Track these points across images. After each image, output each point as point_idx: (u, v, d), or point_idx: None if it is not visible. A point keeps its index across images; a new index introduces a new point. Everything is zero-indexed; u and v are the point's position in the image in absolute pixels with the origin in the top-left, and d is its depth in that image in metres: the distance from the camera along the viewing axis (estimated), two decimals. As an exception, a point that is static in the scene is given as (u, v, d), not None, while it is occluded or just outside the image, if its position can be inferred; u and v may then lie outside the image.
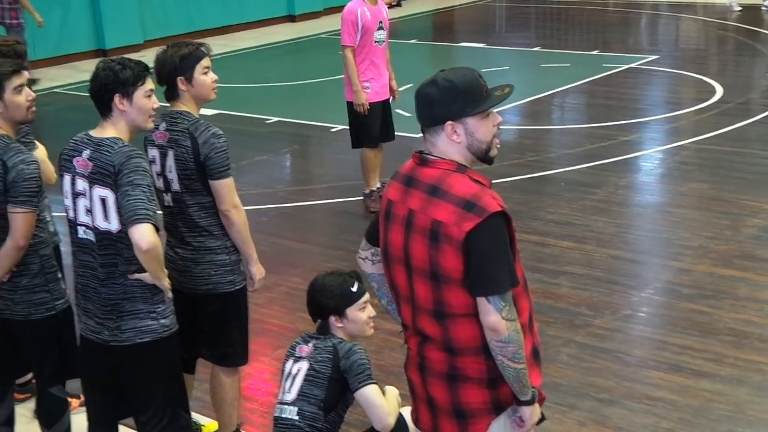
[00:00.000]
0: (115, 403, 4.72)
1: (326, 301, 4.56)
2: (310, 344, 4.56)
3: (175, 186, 4.88)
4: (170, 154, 4.85)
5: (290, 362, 4.57)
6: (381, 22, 9.12)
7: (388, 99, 9.50)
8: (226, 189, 4.87)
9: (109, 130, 4.40)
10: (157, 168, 4.91)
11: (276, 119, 13.09)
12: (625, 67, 15.21)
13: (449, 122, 3.51)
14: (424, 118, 3.57)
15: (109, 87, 4.36)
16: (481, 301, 3.45)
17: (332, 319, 4.57)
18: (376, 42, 9.13)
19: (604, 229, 8.59)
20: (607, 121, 12.10)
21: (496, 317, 3.43)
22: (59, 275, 4.98)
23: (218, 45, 16.91)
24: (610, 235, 8.46)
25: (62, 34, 17.68)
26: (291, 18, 21.11)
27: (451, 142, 3.54)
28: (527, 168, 10.37)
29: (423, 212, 3.51)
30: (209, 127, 4.85)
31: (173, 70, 4.87)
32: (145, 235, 4.18)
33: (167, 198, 4.95)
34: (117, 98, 4.36)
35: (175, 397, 4.67)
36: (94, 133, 4.44)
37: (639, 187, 9.98)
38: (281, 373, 4.62)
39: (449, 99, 3.50)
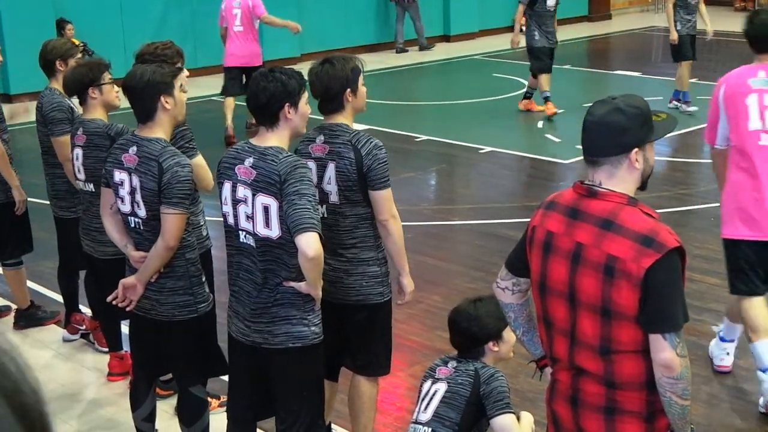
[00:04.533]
0: (257, 405, 4.82)
1: (487, 328, 4.56)
2: (451, 366, 4.57)
3: (333, 198, 4.95)
4: (330, 166, 4.92)
5: (429, 383, 4.59)
6: None
7: None
8: (386, 199, 4.95)
9: (271, 139, 4.50)
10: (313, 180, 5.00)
11: (425, 137, 13.17)
12: (785, 103, 14.79)
13: (636, 149, 3.49)
14: (607, 148, 3.50)
15: (279, 97, 4.45)
16: (657, 338, 3.40)
17: (490, 343, 4.59)
18: None
19: (753, 267, 8.35)
20: (762, 158, 11.77)
21: (671, 354, 3.39)
22: (203, 279, 5.11)
23: (372, 62, 17.08)
24: (759, 274, 8.23)
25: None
26: (446, 38, 21.19)
27: (632, 170, 3.50)
28: (677, 201, 10.19)
29: (596, 246, 3.46)
30: (371, 139, 4.92)
31: (345, 83, 4.92)
32: (311, 243, 4.28)
33: (322, 210, 5.03)
34: (287, 107, 4.47)
35: (315, 405, 4.75)
36: (256, 141, 4.54)
37: (792, 227, 9.68)
38: (418, 393, 4.65)
39: (638, 125, 3.48)
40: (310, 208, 4.33)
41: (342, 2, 19.69)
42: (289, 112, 4.48)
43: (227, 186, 4.57)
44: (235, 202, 4.53)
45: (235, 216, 4.54)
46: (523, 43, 14.18)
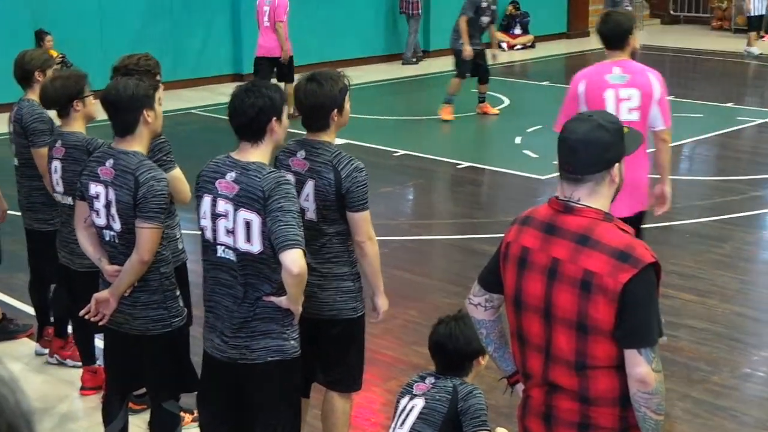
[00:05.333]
0: (232, 420, 4.79)
1: (474, 344, 4.54)
2: (429, 382, 4.58)
3: (310, 215, 4.92)
4: (309, 183, 4.90)
5: (406, 399, 4.59)
6: None
7: None
8: (364, 221, 4.94)
9: (254, 155, 4.46)
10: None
11: (403, 152, 13.18)
12: (760, 121, 14.88)
13: (617, 164, 3.51)
14: (593, 165, 3.49)
15: (267, 112, 4.43)
16: (632, 353, 3.41)
17: (480, 358, 4.62)
18: None
19: (727, 284, 8.42)
20: (737, 175, 11.87)
21: (646, 369, 3.40)
22: (177, 293, 5.08)
23: (351, 76, 17.06)
24: (733, 290, 8.29)
25: (202, 57, 18.12)
26: (425, 53, 21.24)
27: (612, 185, 3.52)
28: (650, 217, 10.20)
29: (572, 262, 3.46)
30: (352, 161, 4.89)
31: (332, 104, 4.90)
32: (296, 260, 4.27)
33: None
34: (274, 122, 4.45)
35: (292, 418, 4.74)
36: (237, 156, 4.49)
37: (767, 244, 9.75)
38: (395, 409, 4.64)
39: (618, 139, 3.50)
40: (294, 224, 4.31)
41: (324, 16, 19.68)
42: (275, 126, 4.47)
43: (207, 200, 4.53)
44: (215, 216, 4.49)
45: (214, 230, 4.51)
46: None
